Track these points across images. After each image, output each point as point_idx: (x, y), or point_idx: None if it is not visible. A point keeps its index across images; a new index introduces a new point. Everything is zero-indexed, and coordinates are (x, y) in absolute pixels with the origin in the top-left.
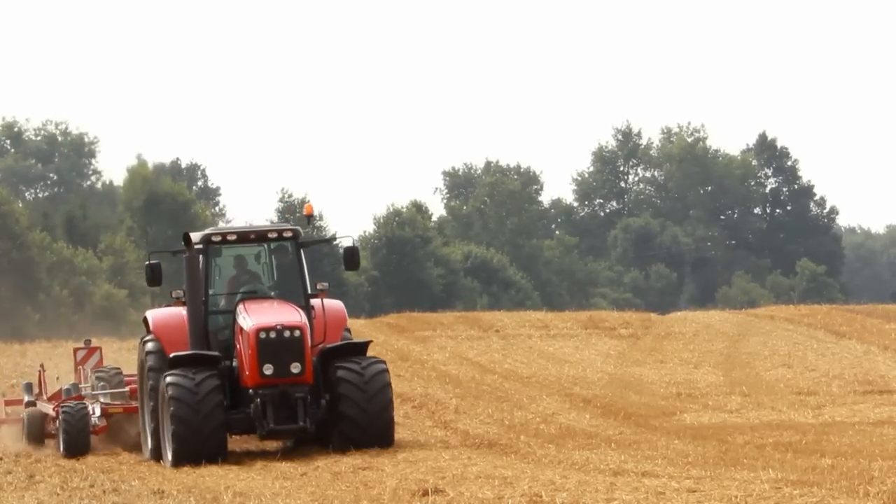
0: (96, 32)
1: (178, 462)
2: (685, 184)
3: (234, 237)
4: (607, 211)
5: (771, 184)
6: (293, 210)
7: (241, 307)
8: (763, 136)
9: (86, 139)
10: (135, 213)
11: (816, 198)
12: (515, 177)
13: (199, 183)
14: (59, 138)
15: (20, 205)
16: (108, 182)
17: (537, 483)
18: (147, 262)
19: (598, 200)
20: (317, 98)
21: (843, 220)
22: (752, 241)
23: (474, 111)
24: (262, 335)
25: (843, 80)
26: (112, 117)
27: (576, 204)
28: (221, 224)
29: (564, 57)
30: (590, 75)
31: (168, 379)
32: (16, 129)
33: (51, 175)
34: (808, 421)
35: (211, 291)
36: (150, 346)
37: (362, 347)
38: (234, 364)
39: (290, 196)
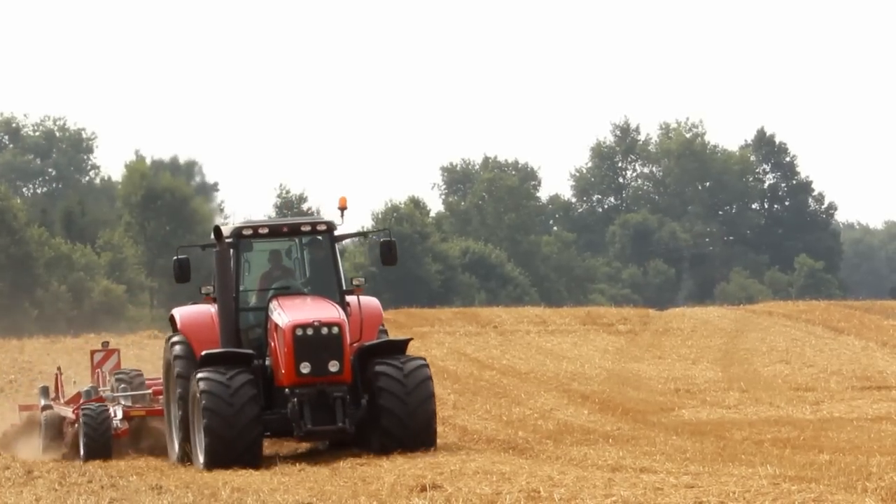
0: (94, 28)
1: (211, 465)
2: (683, 179)
3: (265, 230)
4: (605, 207)
5: (769, 179)
6: (291, 206)
7: (274, 303)
8: (761, 132)
9: (84, 135)
10: (133, 209)
11: (815, 193)
12: (513, 172)
13: (198, 178)
14: (58, 134)
15: (18, 200)
16: (106, 177)
17: (535, 479)
18: (175, 258)
19: (596, 196)
20: (315, 94)
21: (841, 216)
22: (750, 237)
23: (472, 107)
24: (299, 332)
25: (841, 76)
26: (110, 113)
27: (574, 200)
28: (219, 220)
29: (562, 53)
30: (588, 71)
31: (200, 377)
32: (14, 125)
33: (49, 170)
34: (806, 417)
35: (241, 288)
36: (178, 349)
37: (401, 345)
38: (267, 363)
39: (287, 192)
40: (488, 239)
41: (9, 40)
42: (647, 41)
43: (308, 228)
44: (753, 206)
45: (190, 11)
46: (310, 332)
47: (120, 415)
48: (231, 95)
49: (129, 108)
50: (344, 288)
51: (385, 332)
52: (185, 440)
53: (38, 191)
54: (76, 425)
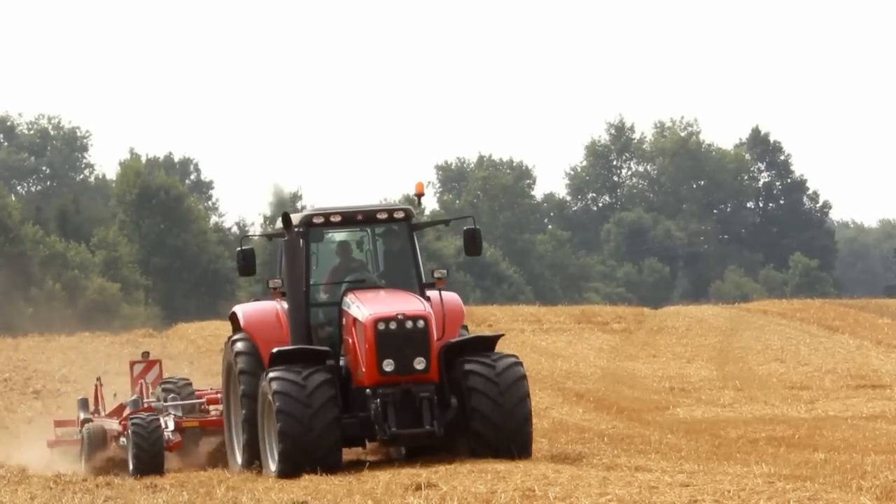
0: (89, 27)
1: (285, 472)
2: (678, 178)
3: (337, 218)
4: (600, 205)
5: (764, 178)
6: (285, 204)
7: (350, 297)
8: (756, 131)
9: (78, 133)
10: (127, 207)
11: (809, 192)
12: (508, 171)
13: (192, 177)
14: (52, 132)
15: (13, 198)
16: (100, 176)
17: (530, 477)
18: (239, 248)
19: (590, 195)
20: (309, 92)
21: (836, 215)
22: (744, 236)
23: (467, 105)
24: (381, 326)
25: (836, 75)
26: (105, 111)
27: (568, 198)
28: (214, 219)
29: (557, 51)
30: (583, 69)
31: (272, 376)
32: (8, 123)
33: (43, 169)
34: (800, 415)
35: (311, 280)
36: (240, 345)
37: (491, 342)
38: (342, 363)
39: (282, 190)
40: (483, 237)
41: (3, 39)
42: (642, 40)
43: (384, 216)
44: (748, 205)
45: (184, 10)
46: (393, 325)
47: (171, 426)
48: (226, 94)
49: (123, 107)
50: (424, 281)
51: (466, 330)
52: (250, 444)
53: (33, 189)
54: (121, 439)
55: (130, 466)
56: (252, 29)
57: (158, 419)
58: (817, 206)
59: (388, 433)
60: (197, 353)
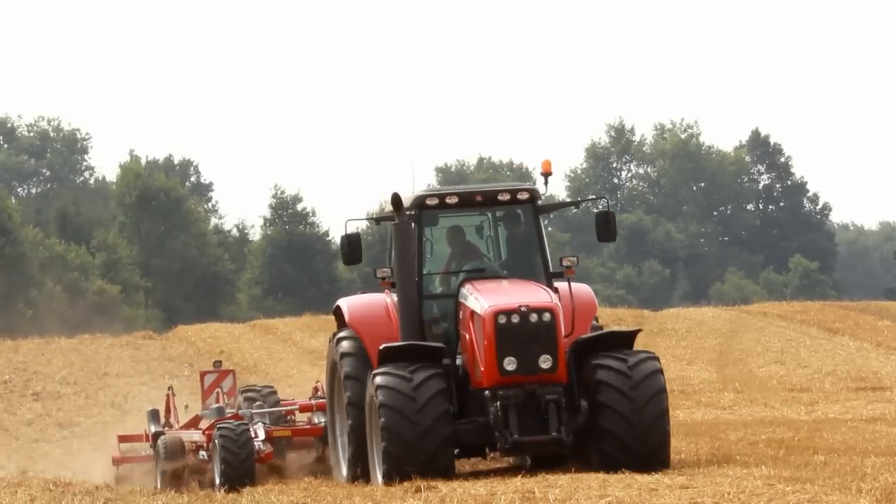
0: (89, 29)
1: (391, 475)
2: (678, 180)
3: (454, 199)
4: (600, 207)
5: (764, 180)
6: (286, 206)
7: (468, 287)
8: (756, 133)
9: (78, 135)
10: (127, 209)
11: (809, 194)
12: (508, 173)
13: (192, 179)
14: (52, 134)
15: (13, 201)
16: (100, 178)
17: (530, 479)
18: (343, 234)
19: (590, 197)
20: (309, 94)
21: (836, 217)
22: (745, 238)
23: (467, 107)
24: (502, 319)
25: (836, 77)
26: (105, 113)
27: (568, 200)
28: (214, 221)
29: (557, 53)
30: (583, 71)
31: (378, 380)
32: (9, 125)
33: (43, 171)
34: (800, 418)
35: (424, 270)
36: (345, 345)
37: (628, 338)
38: (459, 362)
39: (282, 192)
40: None
41: (3, 41)
42: (643, 42)
43: (506, 197)
44: (748, 207)
45: (184, 12)
46: (515, 319)
47: (262, 435)
48: (226, 96)
49: (123, 109)
50: (551, 270)
51: (599, 326)
52: (356, 456)
53: (33, 191)
54: (200, 452)
55: (217, 479)
56: (251, 31)
57: (248, 427)
58: (817, 208)
59: (508, 440)
60: (197, 356)
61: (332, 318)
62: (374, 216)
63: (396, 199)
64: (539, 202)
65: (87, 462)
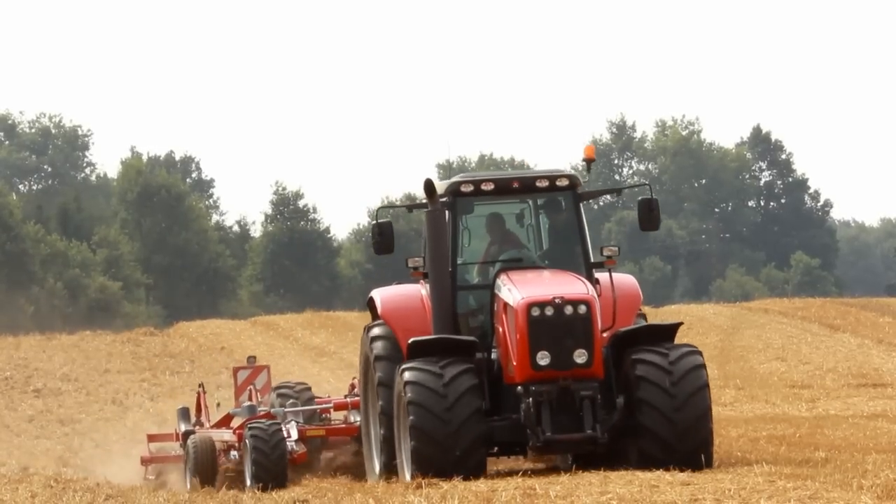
0: (90, 25)
1: (419, 474)
2: (679, 177)
3: (490, 186)
4: (601, 204)
5: (765, 177)
6: (287, 202)
7: (503, 278)
8: (757, 130)
9: (80, 132)
10: (129, 206)
11: (811, 191)
12: (509, 170)
13: (193, 175)
14: (53, 131)
15: (14, 197)
16: (102, 174)
17: (531, 476)
18: (375, 222)
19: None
20: (310, 90)
21: (837, 214)
22: (746, 235)
23: (468, 104)
24: (535, 312)
25: (837, 74)
26: (106, 110)
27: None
28: (215, 217)
29: (559, 49)
30: (584, 68)
31: (406, 375)
32: (10, 122)
33: (45, 167)
34: (801, 414)
35: (459, 260)
36: (376, 330)
37: (668, 331)
38: (493, 357)
39: (283, 189)
40: None
41: (4, 37)
42: (644, 39)
43: (545, 184)
44: (749, 204)
45: (185, 8)
46: (549, 311)
47: (295, 434)
48: (227, 92)
49: (124, 105)
50: (592, 261)
51: (644, 318)
52: (388, 441)
53: (34, 188)
54: (231, 452)
55: (248, 479)
56: (253, 28)
57: (280, 426)
58: (818, 204)
59: (541, 438)
60: (198, 352)
61: (332, 314)
62: (408, 204)
63: (429, 186)
64: (579, 189)
65: (116, 464)
